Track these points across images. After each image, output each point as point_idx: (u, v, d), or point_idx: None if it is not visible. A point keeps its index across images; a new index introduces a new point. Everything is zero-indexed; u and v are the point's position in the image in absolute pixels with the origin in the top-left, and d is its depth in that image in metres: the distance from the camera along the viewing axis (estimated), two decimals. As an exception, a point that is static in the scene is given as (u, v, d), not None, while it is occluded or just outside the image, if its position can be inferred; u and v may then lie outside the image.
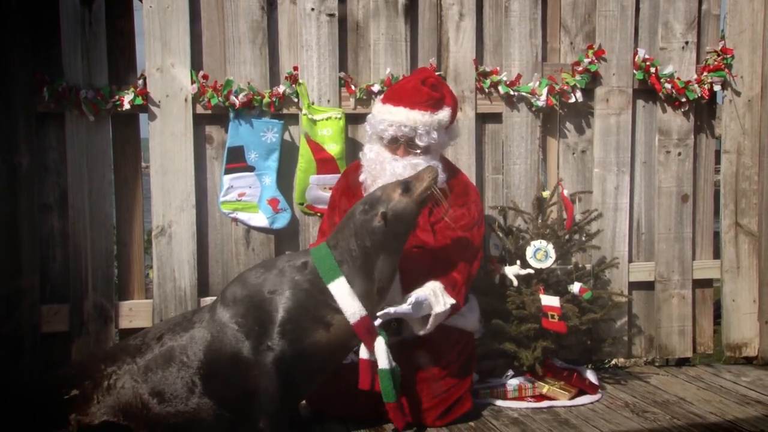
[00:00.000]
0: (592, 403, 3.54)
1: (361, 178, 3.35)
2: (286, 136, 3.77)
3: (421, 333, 3.14)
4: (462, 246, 3.25)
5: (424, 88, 3.26)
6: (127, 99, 3.55)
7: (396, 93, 3.32)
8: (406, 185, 2.95)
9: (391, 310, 2.98)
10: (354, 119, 3.81)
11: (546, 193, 3.84)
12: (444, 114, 3.29)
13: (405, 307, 3.01)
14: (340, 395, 3.14)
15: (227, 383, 2.83)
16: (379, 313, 2.96)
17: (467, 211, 3.32)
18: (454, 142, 3.65)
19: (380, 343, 2.91)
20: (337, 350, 2.95)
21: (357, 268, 2.91)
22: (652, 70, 4.04)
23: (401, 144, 3.27)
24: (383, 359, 2.90)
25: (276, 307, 2.84)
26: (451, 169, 3.44)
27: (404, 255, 3.12)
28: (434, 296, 3.09)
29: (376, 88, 3.77)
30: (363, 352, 2.93)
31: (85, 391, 2.86)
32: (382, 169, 3.25)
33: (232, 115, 3.66)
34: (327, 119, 3.70)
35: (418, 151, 3.27)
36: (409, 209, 2.93)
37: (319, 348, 2.88)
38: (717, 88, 4.11)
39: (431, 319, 3.10)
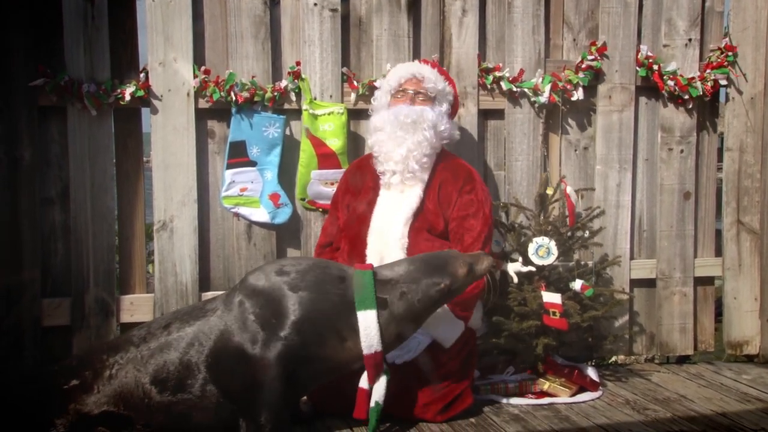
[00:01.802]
0: (592, 400, 3.54)
1: (370, 141, 3.45)
2: (288, 132, 3.77)
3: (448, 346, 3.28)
4: (473, 239, 3.32)
5: (428, 60, 3.64)
6: (128, 91, 3.54)
7: (409, 65, 3.60)
8: (471, 267, 3.00)
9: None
10: (356, 115, 3.80)
11: (550, 189, 3.84)
12: (448, 88, 3.50)
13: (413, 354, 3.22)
14: (342, 391, 3.14)
15: (233, 373, 2.81)
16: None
17: (475, 197, 3.39)
18: (456, 129, 3.66)
19: (382, 381, 2.94)
20: (342, 366, 2.95)
21: (392, 311, 2.92)
22: (655, 67, 4.04)
23: (412, 94, 3.42)
24: (379, 394, 2.93)
25: (297, 304, 2.82)
26: (452, 156, 3.52)
27: (414, 242, 3.24)
28: (437, 329, 3.25)
29: (378, 83, 3.77)
30: (363, 382, 2.94)
31: (85, 381, 2.85)
32: (388, 115, 3.37)
33: (234, 109, 3.66)
34: (329, 114, 3.70)
35: (425, 100, 3.41)
36: (462, 289, 3.05)
37: (327, 358, 2.88)
38: (723, 82, 4.10)
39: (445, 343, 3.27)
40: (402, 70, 3.49)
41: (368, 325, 2.86)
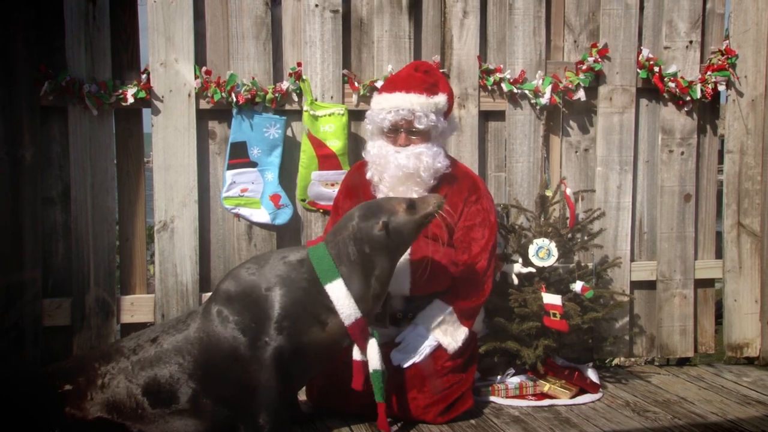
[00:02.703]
0: (593, 402, 3.54)
1: (368, 175, 3.38)
2: (289, 132, 3.77)
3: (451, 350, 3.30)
4: (480, 248, 3.33)
5: (417, 74, 3.36)
6: (130, 93, 3.55)
7: (391, 82, 3.42)
8: (411, 203, 2.97)
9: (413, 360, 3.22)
10: (357, 116, 3.80)
11: (549, 191, 3.84)
12: (440, 99, 3.34)
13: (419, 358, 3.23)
14: (340, 390, 3.14)
15: (224, 381, 2.83)
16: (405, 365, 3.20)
17: (480, 206, 3.39)
18: (456, 133, 3.70)
19: (373, 345, 2.94)
20: (330, 348, 2.96)
21: (355, 271, 2.91)
22: (656, 69, 4.04)
23: (401, 132, 3.31)
24: (375, 360, 2.93)
25: (272, 303, 2.84)
26: (454, 164, 3.45)
27: (416, 250, 3.21)
28: (443, 334, 3.27)
29: (379, 84, 3.77)
30: (356, 354, 2.95)
31: (78, 386, 2.86)
32: (387, 163, 3.29)
33: (235, 110, 3.66)
34: (329, 115, 3.70)
35: (419, 137, 3.31)
36: (408, 227, 2.95)
37: (313, 345, 2.89)
38: (721, 87, 4.10)
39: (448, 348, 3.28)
40: (391, 105, 3.29)
41: (339, 295, 2.86)
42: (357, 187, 3.48)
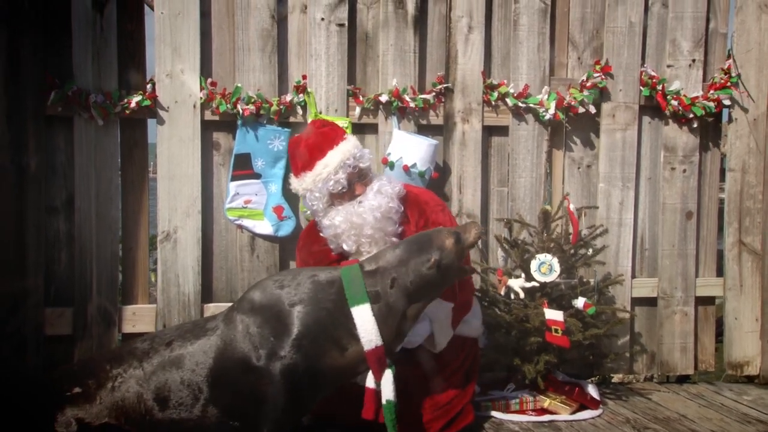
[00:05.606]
0: (593, 418, 3.53)
1: (346, 247, 3.25)
2: (294, 145, 3.79)
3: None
4: None
5: (324, 129, 3.30)
6: (134, 100, 3.57)
7: (311, 152, 3.25)
8: (458, 236, 2.93)
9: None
10: (360, 129, 3.82)
11: (546, 207, 3.86)
12: (354, 137, 3.36)
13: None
14: (341, 402, 3.13)
15: (235, 391, 2.81)
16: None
17: (434, 225, 3.27)
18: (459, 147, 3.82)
19: (388, 375, 2.89)
20: (345, 373, 2.92)
21: (387, 302, 2.87)
22: (659, 86, 4.06)
23: (355, 183, 3.25)
24: (389, 391, 2.88)
25: (294, 320, 2.80)
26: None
27: None
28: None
29: (383, 98, 3.79)
30: (370, 381, 2.90)
31: (88, 389, 2.84)
32: (360, 218, 3.19)
33: (239, 122, 3.68)
34: (334, 128, 3.71)
35: (367, 179, 3.27)
36: (455, 263, 2.93)
37: (329, 368, 2.85)
38: (726, 102, 4.11)
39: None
40: (336, 165, 3.19)
41: (364, 320, 2.81)
42: (318, 255, 3.38)
